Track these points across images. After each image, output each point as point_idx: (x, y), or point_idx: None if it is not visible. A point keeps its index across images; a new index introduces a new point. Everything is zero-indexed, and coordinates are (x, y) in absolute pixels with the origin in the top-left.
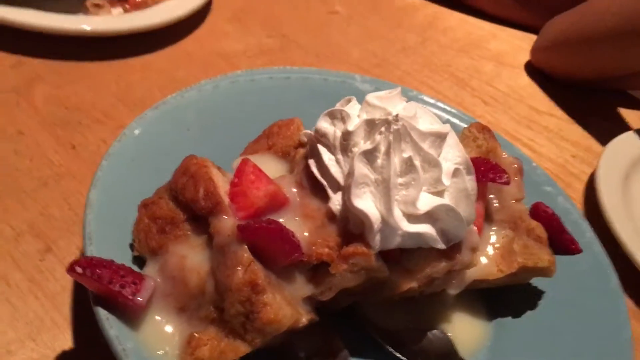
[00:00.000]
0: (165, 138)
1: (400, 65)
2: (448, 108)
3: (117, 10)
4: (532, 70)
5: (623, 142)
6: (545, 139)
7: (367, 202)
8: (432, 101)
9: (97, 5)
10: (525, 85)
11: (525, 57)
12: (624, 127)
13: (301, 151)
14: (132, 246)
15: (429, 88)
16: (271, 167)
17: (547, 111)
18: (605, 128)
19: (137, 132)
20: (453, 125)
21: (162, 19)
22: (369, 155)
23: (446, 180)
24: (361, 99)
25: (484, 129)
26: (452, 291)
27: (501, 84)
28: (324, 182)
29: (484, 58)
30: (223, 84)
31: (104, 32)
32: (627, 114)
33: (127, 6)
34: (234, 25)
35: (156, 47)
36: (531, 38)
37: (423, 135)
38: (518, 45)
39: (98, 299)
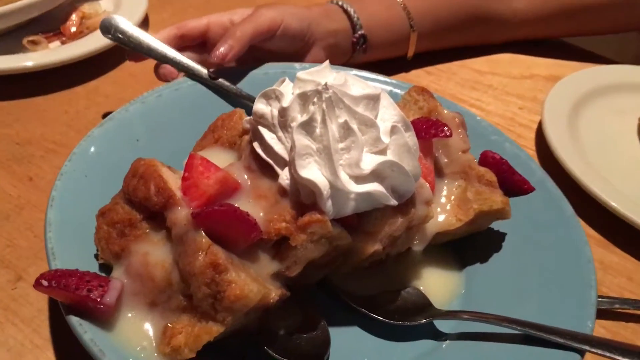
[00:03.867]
0: (115, 151)
1: None
2: (389, 80)
3: (55, 44)
4: None
5: (564, 85)
6: (491, 97)
7: (313, 171)
8: (372, 76)
9: (34, 42)
10: (465, 51)
11: None
12: (564, 73)
13: (245, 138)
14: (96, 256)
15: (372, 66)
16: (220, 158)
17: (490, 71)
18: (547, 77)
19: (86, 149)
20: (396, 94)
21: (100, 45)
22: (307, 127)
23: (385, 139)
24: None
25: (423, 91)
26: (418, 248)
27: (442, 54)
28: (270, 161)
29: None
30: (166, 92)
31: (46, 65)
32: (565, 61)
33: (64, 38)
34: None
35: (100, 72)
36: None
37: (356, 100)
38: None
39: (69, 308)
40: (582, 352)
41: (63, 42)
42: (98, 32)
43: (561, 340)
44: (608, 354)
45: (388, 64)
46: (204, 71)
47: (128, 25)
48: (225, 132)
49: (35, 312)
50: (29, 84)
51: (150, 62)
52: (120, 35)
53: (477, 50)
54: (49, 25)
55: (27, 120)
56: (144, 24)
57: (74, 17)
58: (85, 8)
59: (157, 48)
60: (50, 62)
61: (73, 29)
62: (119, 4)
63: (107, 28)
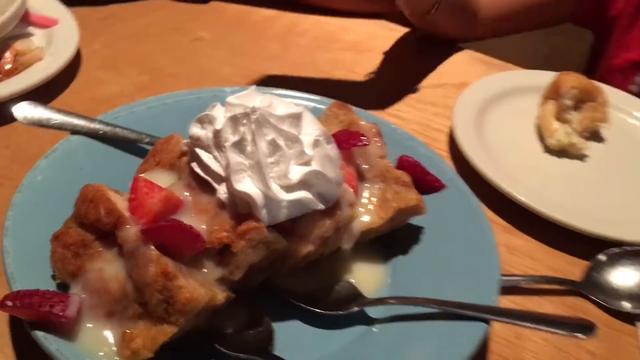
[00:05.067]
0: (62, 180)
1: (268, 72)
2: (312, 97)
3: None
4: (387, 50)
5: (470, 92)
6: (408, 106)
7: (247, 185)
8: (297, 94)
9: None
10: (382, 64)
11: (378, 41)
12: (471, 80)
13: (184, 159)
14: (54, 277)
15: (296, 86)
16: (162, 179)
17: (406, 81)
18: (456, 85)
19: (34, 180)
20: (319, 110)
21: (37, 79)
22: (239, 146)
23: (309, 151)
24: None
25: (342, 106)
26: (347, 246)
27: (361, 68)
28: (208, 178)
29: (341, 50)
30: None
31: None
32: (474, 67)
33: (0, 75)
34: (107, 71)
35: None
36: (378, 24)
37: (281, 119)
38: (369, 32)
39: (33, 324)
40: (487, 321)
41: (0, 80)
42: (33, 67)
43: (471, 313)
44: (508, 320)
45: (314, 83)
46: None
47: (39, 110)
48: (165, 156)
49: None
50: None
51: (84, 92)
52: (36, 121)
53: (394, 64)
54: None
55: None
56: (76, 58)
57: (7, 55)
58: (19, 45)
59: (79, 123)
60: None
61: (8, 67)
62: (50, 39)
63: (21, 117)
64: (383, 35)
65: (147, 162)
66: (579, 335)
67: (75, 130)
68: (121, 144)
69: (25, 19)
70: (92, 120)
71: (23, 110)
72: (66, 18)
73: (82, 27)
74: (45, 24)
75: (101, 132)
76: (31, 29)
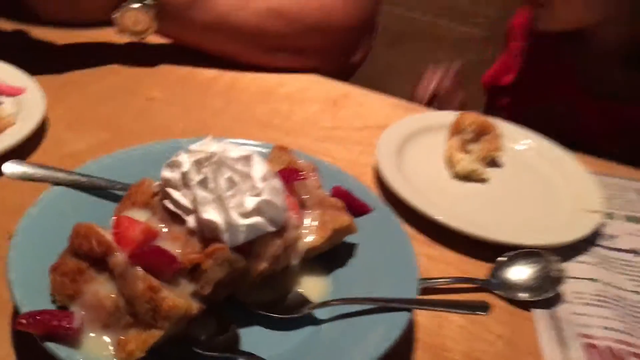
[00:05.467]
0: (51, 223)
1: (216, 125)
2: (259, 143)
3: None
4: (319, 100)
5: (390, 131)
6: (338, 146)
7: (211, 214)
8: (244, 141)
9: None
10: (315, 112)
11: (310, 93)
12: (390, 122)
13: (156, 199)
14: (54, 301)
15: (241, 135)
16: (138, 216)
17: (335, 126)
18: (379, 127)
19: (28, 225)
20: (264, 154)
21: (12, 142)
22: (203, 183)
23: (259, 185)
24: None
25: (283, 149)
26: (295, 262)
27: (295, 117)
28: (179, 211)
29: (278, 101)
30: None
31: None
32: (392, 111)
33: None
34: (73, 132)
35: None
36: (310, 78)
37: (235, 160)
38: (301, 86)
39: (43, 337)
40: (410, 310)
41: None
42: (7, 132)
43: (397, 305)
44: (425, 307)
45: (258, 132)
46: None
47: (24, 167)
48: (139, 197)
49: (5, 355)
50: None
51: (53, 152)
52: (22, 175)
53: (325, 112)
54: None
55: None
56: (44, 121)
57: None
58: None
59: (58, 175)
60: None
61: None
62: (20, 105)
63: (9, 173)
64: (314, 87)
65: (124, 204)
66: (479, 312)
67: (56, 182)
68: (96, 192)
69: None
70: (70, 172)
71: (10, 167)
72: (31, 86)
73: (45, 93)
74: (14, 92)
75: (79, 182)
76: (1, 98)
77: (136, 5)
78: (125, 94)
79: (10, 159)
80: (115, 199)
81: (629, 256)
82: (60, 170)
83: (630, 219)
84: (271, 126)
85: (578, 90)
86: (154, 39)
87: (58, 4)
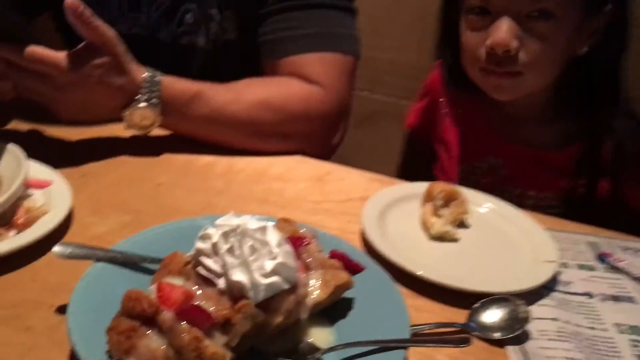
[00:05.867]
0: (98, 294)
1: (219, 203)
2: (264, 217)
3: (12, 233)
4: (306, 178)
5: (372, 201)
6: (328, 217)
7: (238, 276)
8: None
9: None
10: (304, 188)
11: (297, 172)
12: (372, 193)
13: (188, 266)
14: (110, 357)
15: (242, 211)
16: (176, 282)
17: (323, 199)
18: (361, 198)
19: (78, 297)
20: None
21: (47, 229)
22: (230, 251)
23: (275, 250)
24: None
25: (286, 221)
26: (304, 316)
27: (288, 193)
28: (211, 276)
29: (271, 181)
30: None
31: (12, 250)
32: (370, 185)
33: (17, 229)
34: (96, 216)
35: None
36: (296, 159)
37: (254, 231)
38: (290, 165)
39: None
40: (404, 348)
41: (19, 231)
42: (41, 220)
43: (393, 344)
44: (416, 345)
45: (256, 207)
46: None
47: (71, 247)
48: (174, 266)
49: None
50: None
51: (80, 234)
52: (70, 255)
53: (313, 188)
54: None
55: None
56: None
57: (20, 212)
58: (26, 204)
59: (98, 253)
60: (17, 246)
61: (21, 221)
62: (49, 196)
63: (59, 253)
64: (301, 167)
65: (160, 272)
66: (462, 345)
67: (97, 259)
68: (132, 265)
69: (26, 184)
70: (108, 250)
71: (59, 248)
72: (57, 179)
73: (69, 183)
74: (42, 185)
75: (115, 258)
76: (31, 191)
77: (143, 105)
78: (137, 181)
79: (46, 243)
80: (145, 270)
81: (583, 298)
82: (100, 248)
83: (581, 267)
84: (267, 202)
85: (500, 140)
86: (156, 131)
87: (77, 110)
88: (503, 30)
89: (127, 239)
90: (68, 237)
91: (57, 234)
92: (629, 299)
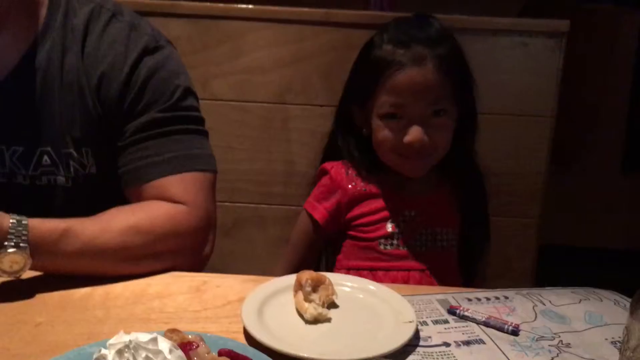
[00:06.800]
0: None
1: (102, 331)
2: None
3: None
4: (184, 291)
5: (248, 301)
6: (210, 322)
7: None
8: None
9: None
10: (183, 300)
11: (174, 287)
12: (246, 293)
13: None
14: None
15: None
16: None
17: (203, 308)
18: (238, 300)
19: None
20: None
21: None
22: None
23: (169, 357)
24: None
25: (173, 331)
26: None
27: (169, 307)
28: None
29: (150, 300)
30: None
31: None
32: (244, 285)
33: None
34: None
35: None
36: (172, 275)
37: (146, 343)
38: (166, 282)
39: None
40: None
41: None
42: None
43: None
44: None
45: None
46: None
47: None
48: None
49: None
50: None
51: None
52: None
53: (192, 299)
54: None
55: None
56: None
57: None
58: None
59: None
60: None
61: None
62: None
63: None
64: (178, 282)
65: None
66: None
67: None
68: None
69: None
70: None
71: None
72: None
73: None
74: None
75: None
76: None
77: (11, 250)
78: (15, 325)
79: None
80: None
81: (442, 348)
82: None
83: (436, 322)
84: (150, 320)
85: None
86: (27, 272)
87: None
88: (418, 130)
89: None
90: None
91: None
92: (480, 341)
